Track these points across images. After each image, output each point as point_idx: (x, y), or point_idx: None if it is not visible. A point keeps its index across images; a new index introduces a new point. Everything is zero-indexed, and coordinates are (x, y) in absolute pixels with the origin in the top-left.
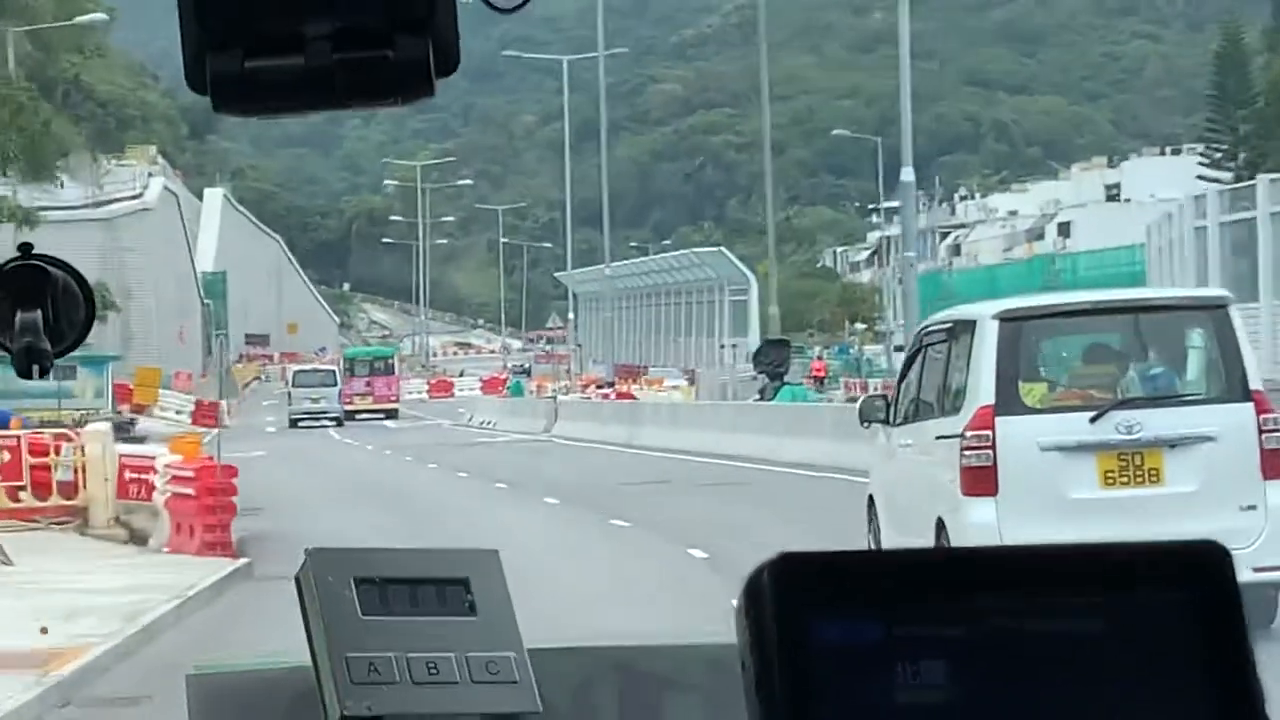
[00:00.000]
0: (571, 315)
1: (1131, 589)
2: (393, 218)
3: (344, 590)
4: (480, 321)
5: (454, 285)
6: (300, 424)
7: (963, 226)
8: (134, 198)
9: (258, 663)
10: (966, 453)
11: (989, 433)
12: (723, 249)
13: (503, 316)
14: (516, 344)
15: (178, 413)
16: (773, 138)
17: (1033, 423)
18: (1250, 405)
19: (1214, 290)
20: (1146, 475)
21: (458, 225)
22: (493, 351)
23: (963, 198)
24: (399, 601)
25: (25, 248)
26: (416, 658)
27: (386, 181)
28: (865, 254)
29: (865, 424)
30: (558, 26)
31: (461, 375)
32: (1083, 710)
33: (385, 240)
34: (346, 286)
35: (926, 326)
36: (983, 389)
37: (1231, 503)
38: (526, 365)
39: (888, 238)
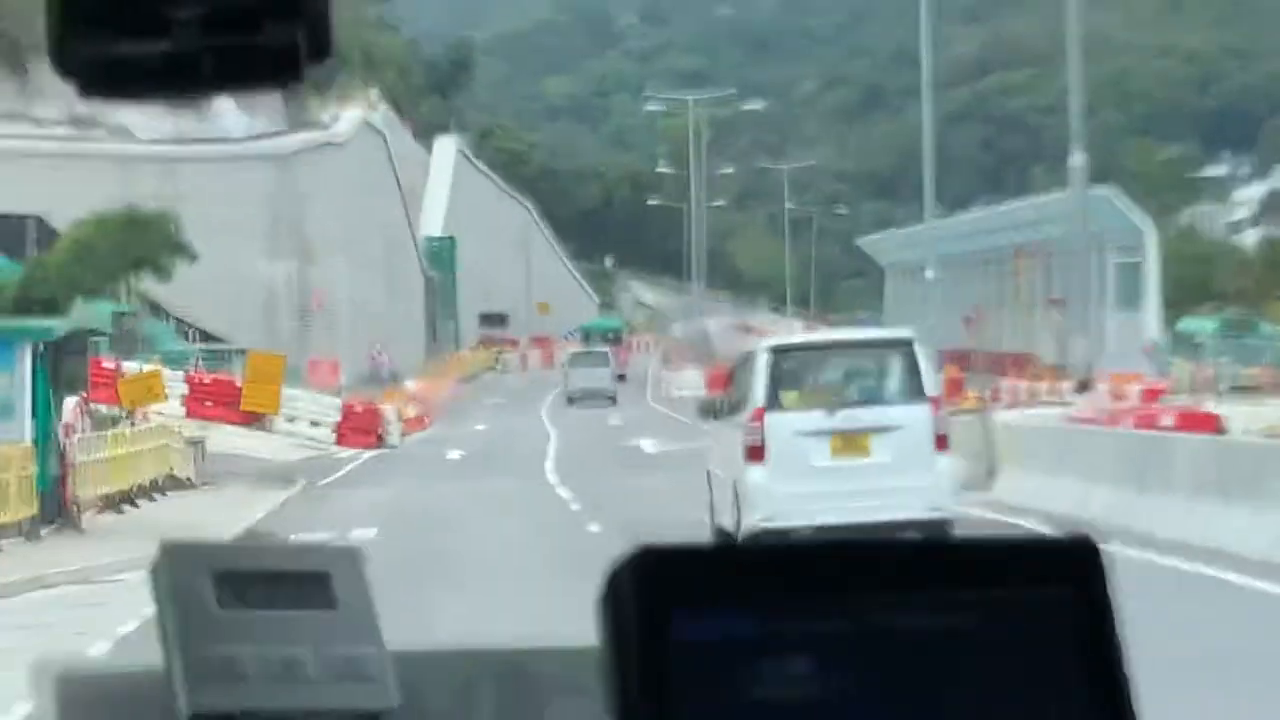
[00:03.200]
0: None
1: (1005, 584)
2: (660, 169)
3: (200, 584)
4: (762, 300)
5: (731, 259)
6: (576, 401)
7: None
8: (318, 128)
9: (123, 664)
10: (747, 436)
11: (760, 423)
12: (1111, 192)
13: (788, 293)
14: (799, 325)
15: (314, 424)
16: (1082, 100)
17: (789, 417)
18: (927, 405)
19: (904, 332)
20: (860, 450)
21: (734, 197)
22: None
23: None
24: (257, 596)
25: None
26: (272, 653)
27: (648, 101)
28: (1245, 213)
29: (703, 418)
30: None
31: None
32: (953, 706)
33: (652, 201)
34: (608, 261)
35: (741, 353)
36: (758, 395)
37: (915, 467)
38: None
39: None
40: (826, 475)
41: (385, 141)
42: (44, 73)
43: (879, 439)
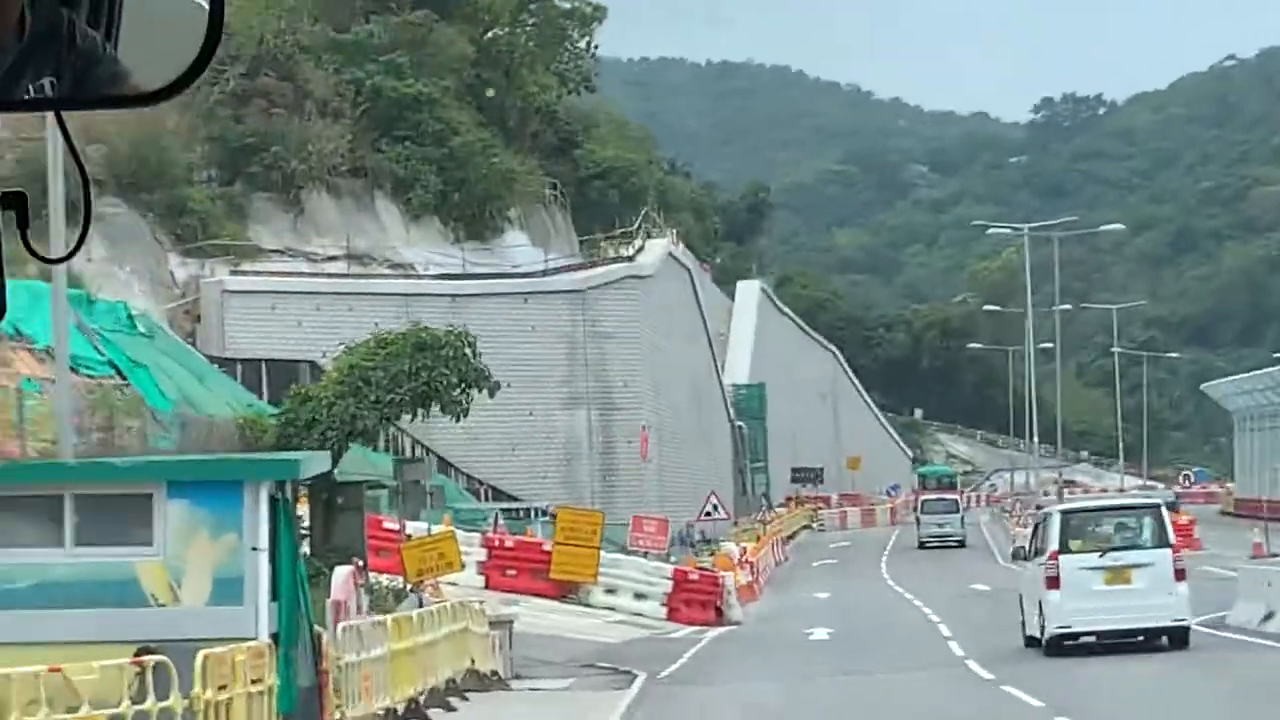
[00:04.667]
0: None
1: None
2: (988, 306)
3: None
4: (1084, 454)
5: (1048, 407)
6: (928, 545)
7: None
8: (620, 260)
9: None
10: (1047, 571)
11: (1056, 562)
12: None
13: (1120, 446)
14: (1134, 481)
15: (638, 596)
16: None
17: (1075, 558)
18: (1169, 549)
19: (1156, 498)
20: (1124, 580)
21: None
22: (1103, 491)
23: None
24: None
25: None
26: None
27: (986, 229)
28: None
29: (1014, 560)
30: (1133, 139)
31: None
32: None
33: (971, 345)
34: (917, 413)
35: (1039, 513)
36: (1053, 542)
37: (1163, 592)
38: None
39: None
40: (1101, 597)
41: (691, 276)
42: (318, 204)
43: (1137, 572)
